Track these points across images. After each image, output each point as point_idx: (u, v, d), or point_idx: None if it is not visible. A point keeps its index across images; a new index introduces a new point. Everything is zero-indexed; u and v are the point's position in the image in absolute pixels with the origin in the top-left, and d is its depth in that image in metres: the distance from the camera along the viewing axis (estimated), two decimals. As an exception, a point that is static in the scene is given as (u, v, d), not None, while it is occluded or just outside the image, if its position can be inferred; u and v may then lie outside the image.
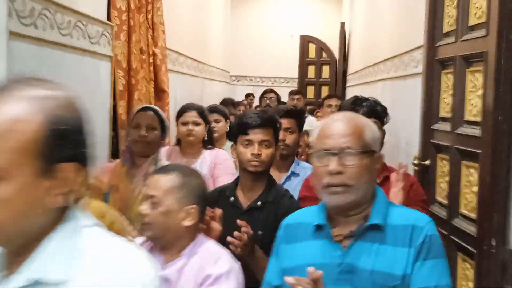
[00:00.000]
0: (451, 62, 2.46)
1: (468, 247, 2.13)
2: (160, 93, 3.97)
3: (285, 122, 2.49)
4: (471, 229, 2.12)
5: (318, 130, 1.46)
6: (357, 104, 2.13)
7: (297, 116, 2.65)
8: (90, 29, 2.82)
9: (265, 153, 1.99)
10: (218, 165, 2.91)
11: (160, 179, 1.67)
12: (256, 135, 2.00)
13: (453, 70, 2.42)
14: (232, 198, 2.02)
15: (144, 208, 1.65)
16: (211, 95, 7.03)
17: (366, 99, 2.18)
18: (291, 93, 6.49)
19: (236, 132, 2.08)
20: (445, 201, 2.46)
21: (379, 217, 1.40)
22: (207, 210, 1.77)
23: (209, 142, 3.05)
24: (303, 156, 3.79)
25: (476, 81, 2.18)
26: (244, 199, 2.02)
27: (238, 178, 2.10)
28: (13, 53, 2.04)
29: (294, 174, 2.57)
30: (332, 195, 1.39)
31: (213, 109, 3.66)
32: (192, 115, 2.99)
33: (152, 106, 2.68)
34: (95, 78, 2.97)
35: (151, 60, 3.81)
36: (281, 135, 2.31)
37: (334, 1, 10.18)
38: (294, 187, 2.40)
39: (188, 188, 1.66)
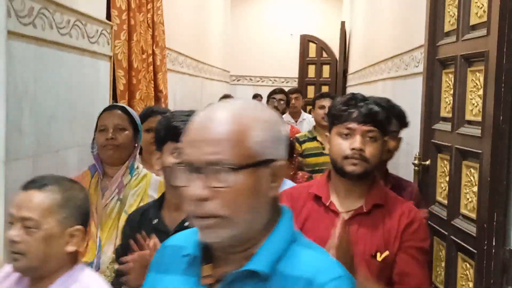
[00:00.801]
0: (452, 61, 2.45)
1: (468, 247, 2.13)
2: (159, 93, 3.97)
3: None
4: (471, 229, 2.11)
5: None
6: (350, 104, 1.67)
7: None
8: (89, 28, 2.81)
9: None
10: None
11: (35, 197, 1.35)
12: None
13: (454, 70, 2.41)
14: (155, 220, 1.69)
15: (15, 234, 1.33)
16: (211, 95, 7.03)
17: (363, 99, 1.69)
18: (289, 92, 5.90)
19: (163, 137, 1.67)
20: (445, 201, 2.45)
21: (263, 261, 0.96)
22: (137, 237, 1.53)
23: None
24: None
25: (477, 81, 2.17)
26: (170, 220, 1.68)
27: (163, 195, 1.75)
28: (11, 52, 2.03)
29: None
30: (201, 230, 0.96)
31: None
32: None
33: (120, 104, 2.31)
34: (94, 77, 2.96)
35: (150, 60, 3.80)
36: None
37: (335, 0, 10.17)
38: None
39: (72, 205, 1.39)
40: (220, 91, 7.84)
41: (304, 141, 3.83)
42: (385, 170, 2.27)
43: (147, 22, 3.74)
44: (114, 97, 3.28)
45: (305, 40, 9.99)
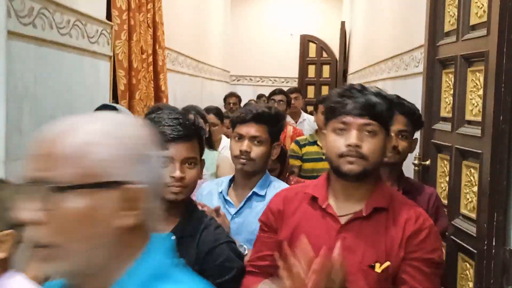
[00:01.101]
0: (452, 61, 2.45)
1: (468, 247, 2.13)
2: (160, 93, 3.97)
3: (251, 130, 1.93)
4: (471, 229, 2.11)
5: None
6: (345, 95, 1.46)
7: (270, 121, 1.97)
8: (89, 28, 2.81)
9: (189, 174, 1.52)
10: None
11: None
12: (178, 152, 1.50)
13: (454, 70, 2.41)
14: None
15: None
16: (211, 95, 7.02)
17: (361, 89, 1.46)
18: (288, 92, 5.55)
19: None
20: (445, 201, 2.45)
21: None
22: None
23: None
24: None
25: (477, 81, 2.17)
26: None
27: None
28: (12, 52, 2.03)
29: (257, 196, 1.95)
30: (38, 262, 0.81)
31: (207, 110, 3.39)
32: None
33: (112, 104, 1.95)
34: (94, 77, 2.96)
35: (150, 60, 3.80)
36: (245, 145, 1.91)
37: (335, 0, 10.17)
38: (256, 214, 1.83)
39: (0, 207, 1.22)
40: (220, 91, 7.84)
41: (304, 145, 3.74)
42: (399, 174, 2.04)
43: (147, 22, 3.74)
44: (114, 97, 3.28)
45: (305, 40, 9.98)
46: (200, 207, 1.64)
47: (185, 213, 1.53)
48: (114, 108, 2.14)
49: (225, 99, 6.39)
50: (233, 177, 2.03)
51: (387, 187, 1.56)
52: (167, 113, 1.54)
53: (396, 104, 1.74)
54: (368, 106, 1.42)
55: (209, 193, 2.04)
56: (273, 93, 5.07)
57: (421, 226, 1.43)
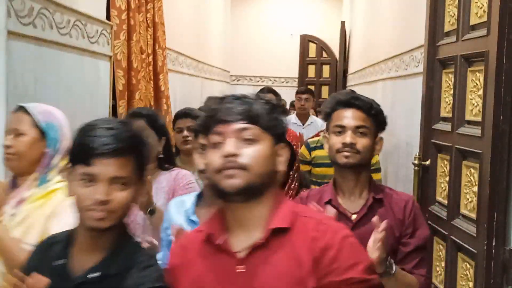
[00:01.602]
0: (452, 61, 2.45)
1: (468, 247, 2.13)
2: (159, 93, 3.97)
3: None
4: (471, 229, 2.11)
5: None
6: (215, 108, 1.27)
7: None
8: (89, 28, 2.82)
9: (118, 197, 1.24)
10: (178, 193, 2.18)
11: None
12: (104, 169, 1.22)
13: (454, 70, 2.41)
14: (60, 261, 1.28)
15: None
16: (211, 95, 7.01)
17: (237, 97, 1.30)
18: (298, 92, 5.18)
19: (73, 158, 1.28)
20: (445, 201, 2.45)
21: None
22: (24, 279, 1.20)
23: (167, 159, 2.35)
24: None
25: (477, 81, 2.17)
26: (79, 263, 1.28)
27: (75, 229, 1.33)
28: (12, 52, 2.03)
29: None
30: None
31: (185, 113, 2.86)
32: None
33: (23, 104, 1.81)
34: (94, 77, 2.96)
35: (150, 60, 3.80)
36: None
37: (335, 0, 10.17)
38: None
39: None
40: (220, 91, 7.84)
41: (314, 148, 3.36)
42: (368, 178, 1.81)
43: (147, 22, 3.74)
44: (114, 97, 3.28)
45: (305, 40, 9.99)
46: (146, 242, 1.44)
47: (114, 246, 1.27)
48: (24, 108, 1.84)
49: None
50: (201, 193, 1.77)
51: (290, 203, 1.30)
52: (102, 122, 1.29)
53: (351, 99, 1.77)
54: (243, 110, 1.23)
55: (177, 212, 1.79)
56: (261, 91, 4.51)
57: (328, 242, 1.18)
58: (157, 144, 2.29)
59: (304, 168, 3.40)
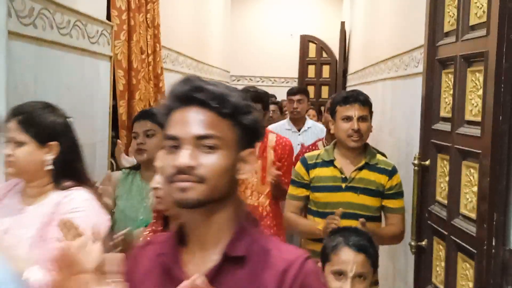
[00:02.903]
0: (451, 61, 2.45)
1: (468, 247, 2.13)
2: (159, 93, 3.97)
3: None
4: (471, 229, 2.11)
5: None
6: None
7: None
8: (90, 28, 2.82)
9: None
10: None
11: None
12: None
13: (453, 70, 2.41)
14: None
15: None
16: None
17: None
18: (289, 93, 4.46)
19: None
20: (445, 201, 2.45)
21: None
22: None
23: (66, 172, 1.76)
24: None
25: (476, 81, 2.17)
26: None
27: None
28: (12, 53, 2.03)
29: None
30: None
31: (142, 114, 2.46)
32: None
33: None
34: (94, 78, 2.96)
35: (150, 60, 3.81)
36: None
37: (335, 1, 10.18)
38: None
39: None
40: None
41: (314, 165, 2.53)
42: None
43: (147, 22, 3.74)
44: (114, 97, 3.28)
45: (305, 40, 9.99)
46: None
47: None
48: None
49: None
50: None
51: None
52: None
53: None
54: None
55: None
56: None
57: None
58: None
59: (298, 192, 2.56)
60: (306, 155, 2.62)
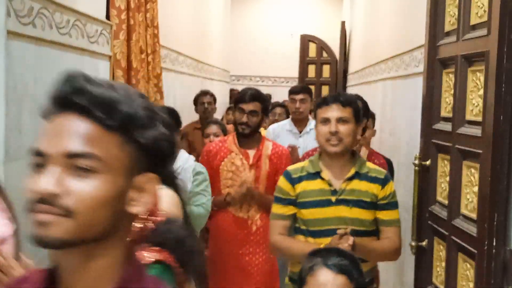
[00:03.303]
0: (452, 61, 2.45)
1: (469, 247, 2.12)
2: (158, 93, 3.97)
3: None
4: (472, 229, 2.11)
5: None
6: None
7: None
8: (89, 28, 2.81)
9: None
10: None
11: None
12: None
13: (454, 70, 2.41)
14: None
15: None
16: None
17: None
18: (292, 92, 4.11)
19: None
20: (445, 201, 2.45)
21: None
22: None
23: None
24: None
25: (477, 81, 2.17)
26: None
27: None
28: (11, 52, 2.03)
29: None
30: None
31: None
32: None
33: None
34: (94, 77, 2.96)
35: (150, 60, 3.80)
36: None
37: (335, 0, 10.18)
38: None
39: None
40: (220, 91, 7.84)
41: (300, 179, 2.25)
42: None
43: (146, 22, 3.74)
44: (114, 97, 3.28)
45: (305, 40, 9.99)
46: None
47: None
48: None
49: (196, 98, 4.86)
50: None
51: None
52: None
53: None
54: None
55: None
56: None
57: None
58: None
59: (284, 211, 2.25)
60: (288, 168, 2.35)
